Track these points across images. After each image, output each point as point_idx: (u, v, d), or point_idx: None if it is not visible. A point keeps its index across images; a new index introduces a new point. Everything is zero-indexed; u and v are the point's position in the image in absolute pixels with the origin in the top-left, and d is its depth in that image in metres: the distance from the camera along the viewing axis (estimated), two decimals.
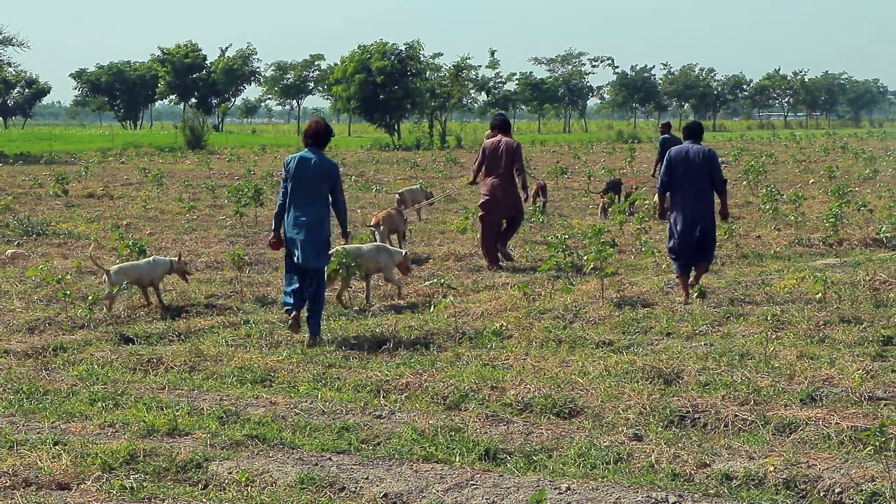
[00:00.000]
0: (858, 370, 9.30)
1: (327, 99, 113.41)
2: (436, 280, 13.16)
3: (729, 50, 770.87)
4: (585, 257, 13.88)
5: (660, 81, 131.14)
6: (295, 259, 11.39)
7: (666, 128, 24.89)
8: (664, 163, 13.55)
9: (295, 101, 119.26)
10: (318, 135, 11.58)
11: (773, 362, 9.77)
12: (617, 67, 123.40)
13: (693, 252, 13.33)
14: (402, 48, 67.37)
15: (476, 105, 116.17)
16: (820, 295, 12.47)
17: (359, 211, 23.44)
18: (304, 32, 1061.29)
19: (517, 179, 16.40)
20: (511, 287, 14.15)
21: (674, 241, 13.43)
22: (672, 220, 13.49)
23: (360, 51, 67.33)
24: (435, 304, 12.52)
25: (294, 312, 11.47)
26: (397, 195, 21.92)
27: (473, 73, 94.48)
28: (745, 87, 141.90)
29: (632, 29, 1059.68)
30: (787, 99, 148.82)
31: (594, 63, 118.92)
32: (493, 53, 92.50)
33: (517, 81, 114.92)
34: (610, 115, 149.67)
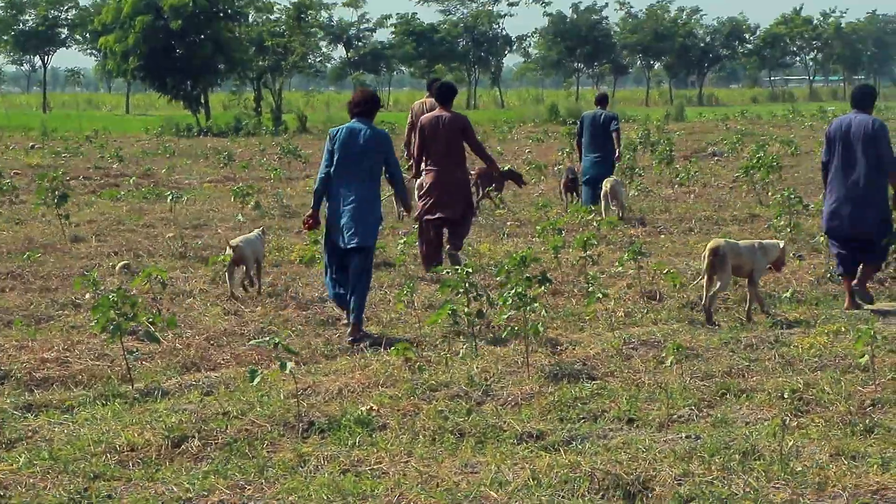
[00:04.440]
0: None
1: (91, 55, 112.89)
2: (267, 339, 12.80)
3: None
4: (500, 303, 13.75)
5: (615, 28, 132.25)
6: (340, 243, 15.13)
7: (602, 101, 26.79)
8: (825, 139, 16.70)
9: (38, 57, 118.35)
10: (367, 103, 15.40)
11: (793, 464, 9.88)
12: (548, 3, 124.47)
13: (852, 246, 16.44)
14: None
15: (329, 65, 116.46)
16: (866, 360, 12.60)
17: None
18: None
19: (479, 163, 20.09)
20: (385, 350, 14.10)
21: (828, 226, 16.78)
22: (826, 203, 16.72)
23: None
24: (262, 378, 12.25)
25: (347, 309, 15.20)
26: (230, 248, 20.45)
27: (325, 15, 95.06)
28: (748, 36, 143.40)
29: None
30: (813, 54, 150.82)
31: (513, 2, 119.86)
32: None
33: (393, 29, 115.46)
34: (539, 82, 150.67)
